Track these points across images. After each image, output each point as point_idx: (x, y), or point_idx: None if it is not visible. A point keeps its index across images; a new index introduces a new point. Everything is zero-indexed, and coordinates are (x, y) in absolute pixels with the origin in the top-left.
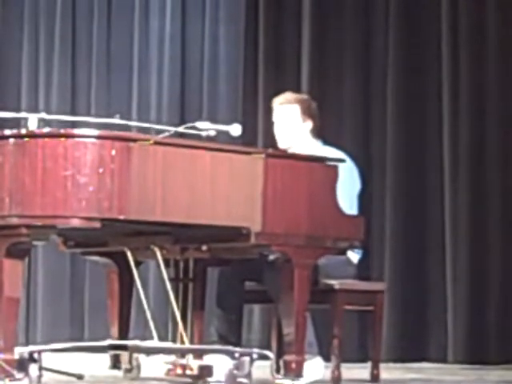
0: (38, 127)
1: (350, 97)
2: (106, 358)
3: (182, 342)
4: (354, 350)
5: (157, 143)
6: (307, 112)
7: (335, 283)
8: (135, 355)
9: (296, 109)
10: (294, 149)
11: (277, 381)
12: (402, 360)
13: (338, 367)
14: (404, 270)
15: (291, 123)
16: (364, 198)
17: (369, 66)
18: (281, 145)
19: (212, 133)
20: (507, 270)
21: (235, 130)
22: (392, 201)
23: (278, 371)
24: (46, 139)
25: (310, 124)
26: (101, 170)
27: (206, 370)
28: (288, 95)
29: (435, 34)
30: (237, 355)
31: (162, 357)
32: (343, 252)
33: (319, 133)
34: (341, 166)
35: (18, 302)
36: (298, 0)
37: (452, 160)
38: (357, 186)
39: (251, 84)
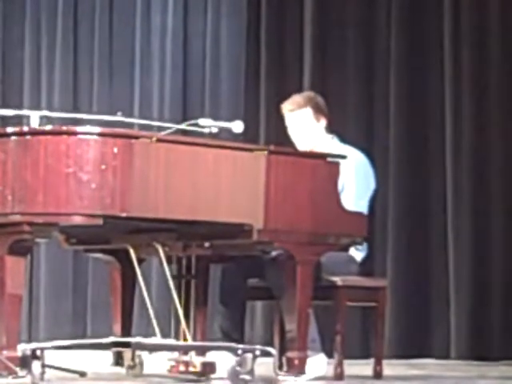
0: (40, 124)
1: (353, 92)
2: (108, 355)
3: (185, 339)
4: (356, 347)
5: (159, 140)
6: (319, 111)
7: (338, 280)
8: (138, 352)
9: (308, 112)
10: (315, 150)
11: (279, 377)
12: (405, 356)
13: (340, 363)
14: (407, 266)
15: (306, 127)
16: None
17: (372, 62)
18: (301, 149)
19: (214, 130)
20: (510, 265)
21: (237, 126)
22: (395, 197)
23: (280, 368)
24: (48, 136)
25: (323, 122)
26: (103, 168)
27: (208, 367)
28: (296, 99)
29: (437, 29)
30: (239, 352)
31: (164, 354)
32: (346, 248)
33: (332, 128)
34: (357, 164)
35: (20, 300)
36: None
37: (454, 157)
38: (371, 186)
39: (253, 80)
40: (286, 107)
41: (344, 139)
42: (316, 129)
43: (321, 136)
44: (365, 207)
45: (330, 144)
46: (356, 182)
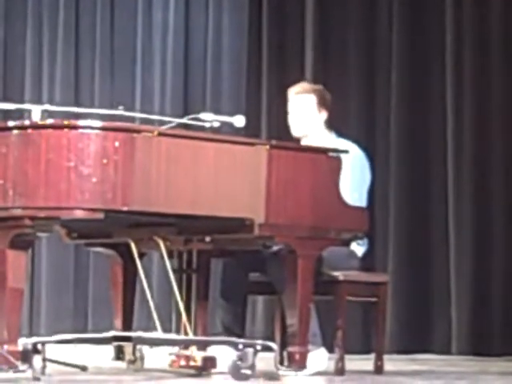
0: (42, 118)
1: (354, 88)
2: (109, 350)
3: (186, 334)
4: (357, 342)
5: (160, 134)
6: (323, 102)
7: (339, 274)
8: (139, 346)
9: (312, 99)
10: (308, 139)
11: (280, 372)
12: (406, 351)
13: (341, 359)
14: (408, 261)
15: (307, 113)
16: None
17: (373, 57)
18: (295, 133)
19: (216, 124)
20: (511, 261)
21: (239, 121)
22: (396, 192)
23: (281, 363)
24: (50, 130)
25: (324, 115)
26: (104, 162)
27: (209, 362)
28: (304, 85)
29: (439, 26)
30: (240, 346)
31: (165, 348)
32: (347, 243)
33: (332, 124)
34: (352, 157)
35: (21, 294)
36: None
37: (456, 151)
38: (367, 179)
39: (255, 75)
40: (293, 90)
41: (341, 134)
42: (315, 118)
43: (318, 127)
44: (360, 200)
45: (325, 137)
46: (352, 176)
